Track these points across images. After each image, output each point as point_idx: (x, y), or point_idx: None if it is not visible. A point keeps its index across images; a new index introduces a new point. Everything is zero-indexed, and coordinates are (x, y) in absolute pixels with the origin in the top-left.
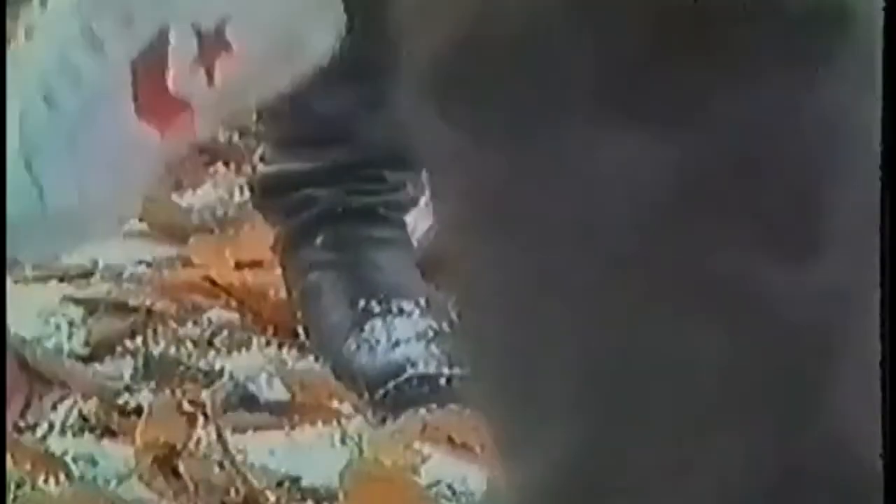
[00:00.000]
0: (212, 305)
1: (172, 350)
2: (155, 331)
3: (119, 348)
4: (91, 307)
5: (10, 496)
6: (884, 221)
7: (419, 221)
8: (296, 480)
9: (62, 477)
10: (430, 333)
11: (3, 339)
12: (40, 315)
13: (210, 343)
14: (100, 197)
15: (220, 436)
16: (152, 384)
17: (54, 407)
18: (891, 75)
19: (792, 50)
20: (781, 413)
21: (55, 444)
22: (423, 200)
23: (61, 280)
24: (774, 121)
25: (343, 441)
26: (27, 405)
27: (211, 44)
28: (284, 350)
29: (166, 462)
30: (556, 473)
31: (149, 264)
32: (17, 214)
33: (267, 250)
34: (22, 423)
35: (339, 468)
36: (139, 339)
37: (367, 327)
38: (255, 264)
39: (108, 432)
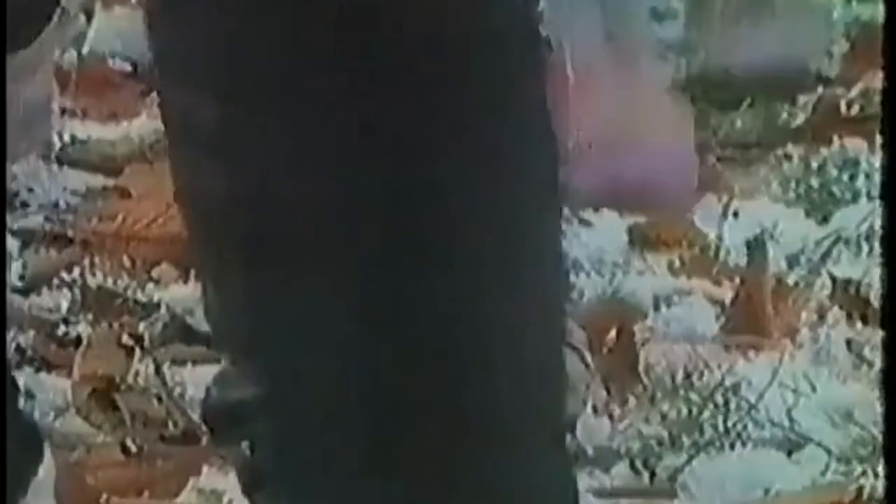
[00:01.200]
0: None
1: (110, 282)
2: (92, 262)
3: (56, 280)
4: (26, 239)
5: None
6: (884, 221)
7: None
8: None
9: None
10: None
11: (3, 342)
12: None
13: (148, 275)
14: None
15: (158, 369)
16: (90, 316)
17: None
18: (891, 75)
19: None
20: None
21: None
22: None
23: None
24: None
25: None
26: None
27: None
28: None
29: (104, 395)
30: None
31: (84, 196)
32: None
33: None
34: None
35: None
36: (76, 271)
37: None
38: None
39: (46, 365)
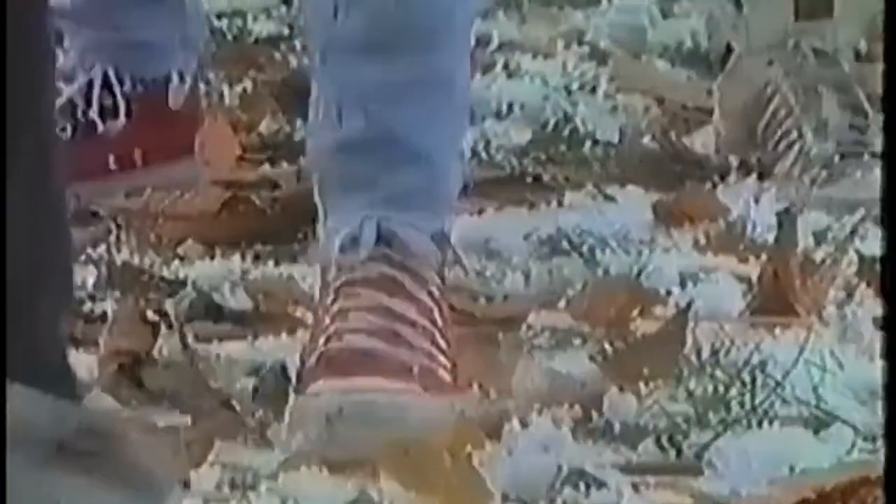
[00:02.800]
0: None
1: (136, 259)
2: (118, 239)
3: (82, 256)
4: None
5: None
6: (884, 221)
7: None
8: (257, 390)
9: None
10: None
11: (2, 342)
12: None
13: (174, 252)
14: None
15: (185, 346)
16: (116, 293)
17: None
18: (891, 73)
19: None
20: None
21: None
22: None
23: None
24: None
25: None
26: None
27: None
28: (248, 258)
29: (130, 371)
30: None
31: None
32: None
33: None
34: None
35: None
36: (102, 248)
37: None
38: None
39: (73, 340)
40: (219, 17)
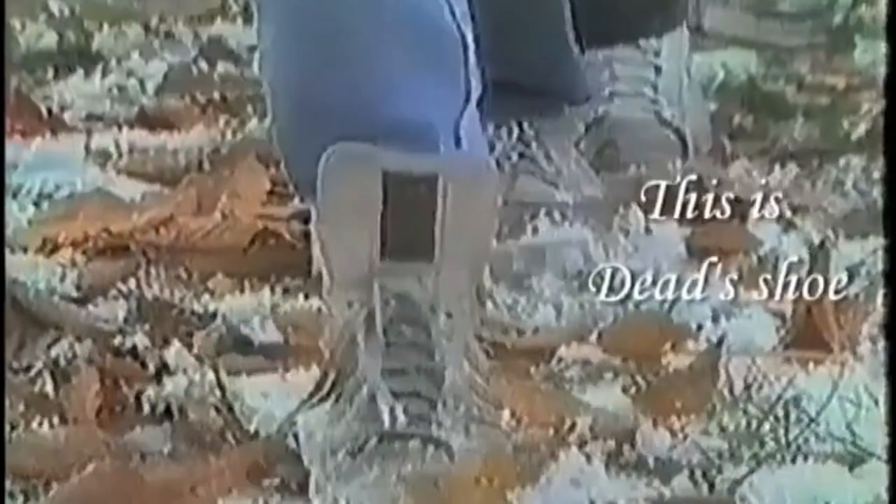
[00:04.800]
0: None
1: (166, 293)
2: (148, 273)
3: (112, 290)
4: (83, 248)
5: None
6: (885, 220)
7: None
8: (292, 424)
9: (56, 418)
10: None
11: (2, 339)
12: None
13: (203, 286)
14: None
15: (219, 381)
16: (146, 327)
17: (48, 348)
18: (891, 71)
19: None
20: None
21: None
22: None
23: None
24: None
25: None
26: (20, 347)
27: None
28: (278, 292)
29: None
30: None
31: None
32: None
33: (261, 189)
34: (16, 365)
35: None
36: (133, 282)
37: None
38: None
39: (101, 373)
40: (249, 50)
